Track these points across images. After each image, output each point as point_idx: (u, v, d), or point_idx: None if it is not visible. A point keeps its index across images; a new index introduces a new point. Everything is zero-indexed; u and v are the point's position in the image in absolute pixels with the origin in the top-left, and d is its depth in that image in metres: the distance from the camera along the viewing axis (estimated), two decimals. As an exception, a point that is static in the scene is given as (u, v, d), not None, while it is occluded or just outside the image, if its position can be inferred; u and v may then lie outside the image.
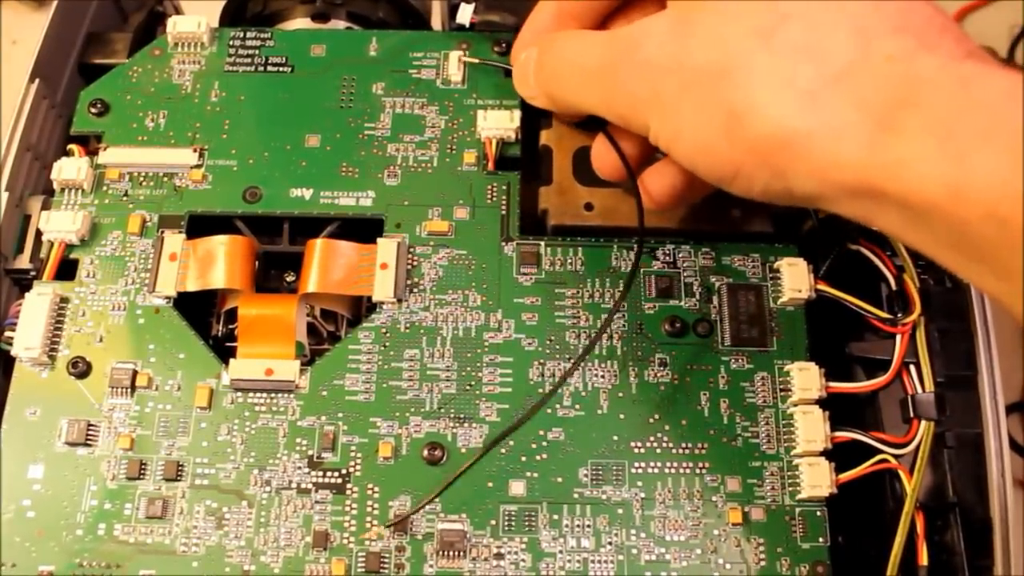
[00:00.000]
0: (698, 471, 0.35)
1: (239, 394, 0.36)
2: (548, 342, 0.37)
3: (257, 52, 0.43)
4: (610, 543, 0.34)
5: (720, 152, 0.28)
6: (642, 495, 0.35)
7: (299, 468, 0.35)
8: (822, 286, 0.37)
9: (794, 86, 0.26)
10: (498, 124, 0.40)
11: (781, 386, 0.36)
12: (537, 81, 0.35)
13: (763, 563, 0.34)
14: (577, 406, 0.36)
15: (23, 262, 0.39)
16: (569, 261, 0.38)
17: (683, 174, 0.34)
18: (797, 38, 0.26)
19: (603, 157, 0.35)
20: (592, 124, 0.36)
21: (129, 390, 0.36)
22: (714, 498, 0.35)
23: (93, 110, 0.41)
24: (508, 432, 0.34)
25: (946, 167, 0.23)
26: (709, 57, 0.28)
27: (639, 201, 0.35)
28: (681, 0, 0.29)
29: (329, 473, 0.35)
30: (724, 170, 0.29)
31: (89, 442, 0.35)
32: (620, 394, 0.36)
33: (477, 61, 0.41)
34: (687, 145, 0.29)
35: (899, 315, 0.36)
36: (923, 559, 0.34)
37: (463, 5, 0.41)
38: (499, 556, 0.34)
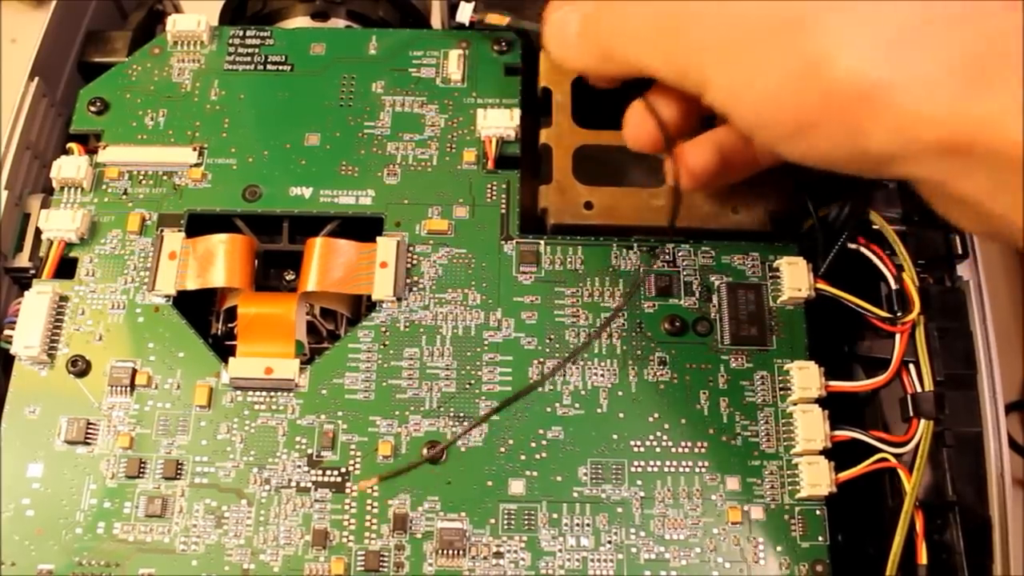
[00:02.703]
0: (698, 470, 0.35)
1: (239, 393, 0.36)
2: (548, 341, 0.37)
3: (257, 51, 0.43)
4: (609, 542, 0.34)
5: (791, 105, 0.26)
6: (641, 494, 0.35)
7: (299, 467, 0.35)
8: (822, 285, 0.37)
9: (877, 35, 0.24)
10: (498, 123, 0.40)
11: (781, 385, 0.36)
12: (584, 37, 0.32)
13: (762, 562, 0.34)
14: (577, 405, 0.36)
15: (22, 261, 0.39)
16: (569, 260, 0.38)
17: (722, 149, 0.33)
18: None
19: (639, 126, 0.33)
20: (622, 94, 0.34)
21: (128, 389, 0.36)
22: (713, 497, 0.35)
23: (92, 109, 0.41)
24: (517, 396, 0.35)
25: None
26: (781, 6, 0.26)
27: (676, 174, 0.33)
28: None
29: (328, 472, 0.35)
30: (791, 125, 0.27)
31: (88, 441, 0.35)
32: (620, 393, 0.36)
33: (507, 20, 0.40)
34: (754, 98, 0.27)
35: (899, 314, 0.36)
36: (922, 558, 0.34)
37: (462, 4, 0.41)
38: (498, 555, 0.34)
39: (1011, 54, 0.23)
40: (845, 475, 0.34)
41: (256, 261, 0.39)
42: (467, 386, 0.36)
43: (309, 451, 0.35)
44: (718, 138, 0.34)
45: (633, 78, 0.32)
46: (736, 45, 0.27)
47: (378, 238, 0.38)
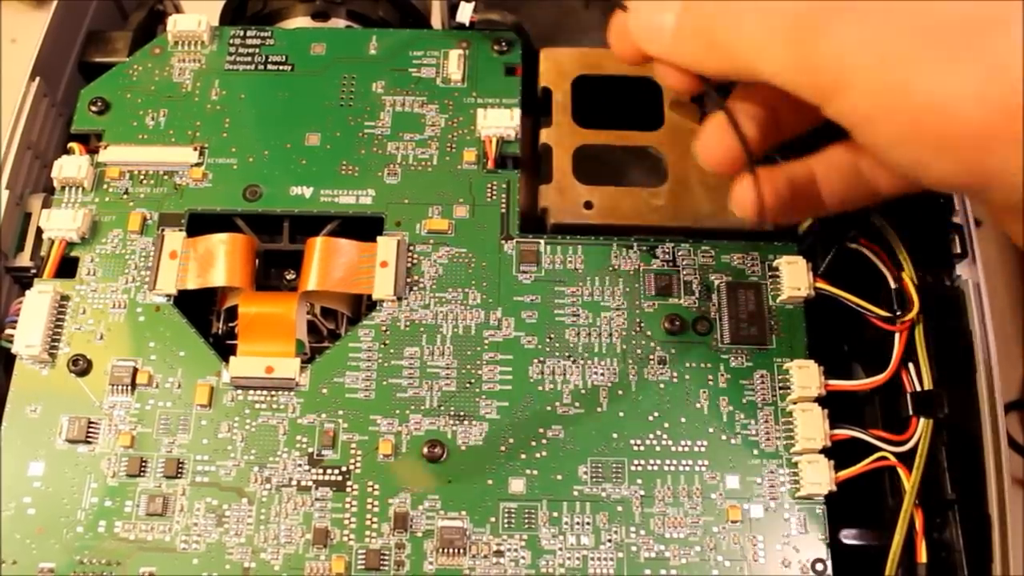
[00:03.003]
0: (697, 469, 0.35)
1: (239, 392, 0.36)
2: (548, 340, 0.37)
3: (257, 51, 0.43)
4: (610, 540, 0.34)
5: (962, 115, 0.24)
6: (642, 493, 0.35)
7: (299, 466, 0.35)
8: (821, 284, 0.37)
9: None
10: (498, 123, 0.40)
11: (780, 384, 0.36)
12: (686, 31, 0.29)
13: (762, 560, 0.34)
14: (577, 404, 0.36)
15: (24, 260, 0.39)
16: (569, 259, 0.38)
17: (794, 184, 0.31)
18: None
19: (720, 143, 0.30)
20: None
21: (129, 388, 0.36)
22: (713, 496, 0.35)
23: (93, 108, 0.41)
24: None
25: None
26: (968, 7, 0.24)
27: (759, 192, 0.30)
28: None
29: (329, 470, 0.35)
30: (959, 138, 0.24)
31: (89, 439, 0.35)
32: (620, 392, 0.36)
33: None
34: (913, 106, 0.24)
35: (898, 313, 0.36)
36: (922, 556, 0.34)
37: (463, 4, 0.41)
38: (499, 553, 0.34)
39: None
40: (845, 474, 0.35)
41: (257, 260, 0.39)
42: (467, 385, 0.36)
43: (310, 450, 0.35)
44: (789, 172, 0.31)
45: (724, 80, 0.29)
46: (897, 51, 0.24)
47: (378, 238, 0.38)
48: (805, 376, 0.35)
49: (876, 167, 0.30)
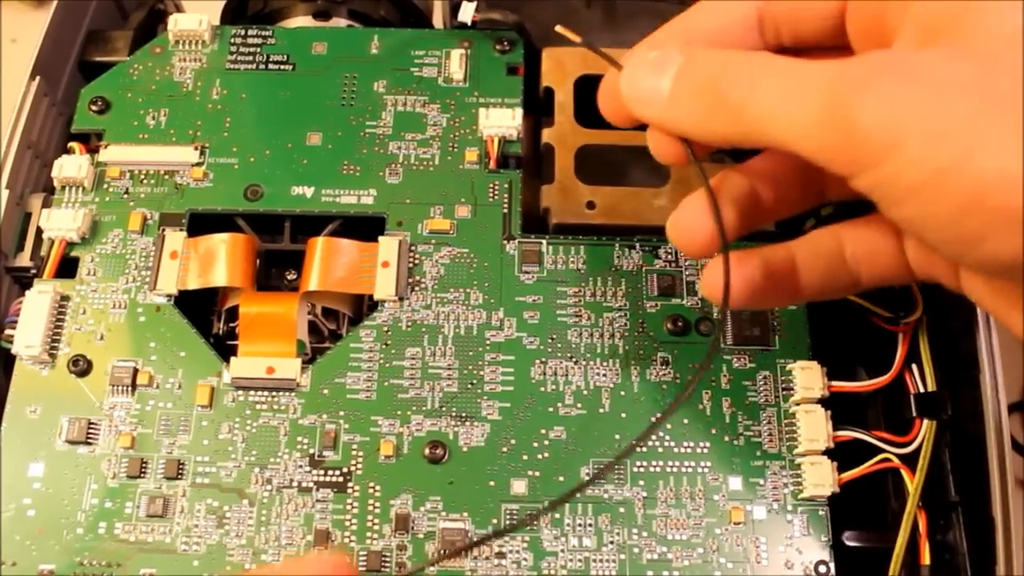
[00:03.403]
0: (700, 470, 0.35)
1: (240, 392, 0.36)
2: (550, 340, 0.37)
3: (258, 50, 0.42)
4: (612, 542, 0.34)
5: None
6: (644, 494, 0.34)
7: (300, 467, 0.35)
8: (824, 285, 0.37)
9: None
10: (500, 122, 0.40)
11: (783, 385, 0.36)
12: (689, 94, 0.26)
13: (765, 562, 0.34)
14: (579, 405, 0.36)
15: (24, 260, 0.39)
16: (571, 260, 0.38)
17: (769, 269, 0.29)
18: None
19: (691, 224, 0.28)
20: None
21: (130, 388, 0.36)
22: (716, 497, 0.34)
23: (94, 108, 0.41)
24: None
25: None
26: None
27: (727, 274, 0.28)
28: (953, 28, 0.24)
29: (330, 472, 0.35)
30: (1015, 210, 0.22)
31: (90, 440, 0.35)
32: (622, 393, 0.36)
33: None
34: (972, 177, 0.22)
35: (901, 314, 0.36)
36: (925, 558, 0.34)
37: (464, 3, 0.41)
38: (501, 555, 0.34)
39: None
40: (848, 475, 0.34)
41: (258, 260, 0.39)
42: (469, 386, 0.36)
43: (311, 451, 0.35)
44: (766, 255, 0.29)
45: (719, 146, 0.27)
46: (965, 117, 0.22)
47: (380, 237, 0.38)
48: (808, 377, 0.35)
49: (863, 256, 0.28)
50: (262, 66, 0.42)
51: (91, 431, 0.35)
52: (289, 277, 0.40)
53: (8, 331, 0.36)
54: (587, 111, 0.40)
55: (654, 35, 0.29)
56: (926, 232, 0.24)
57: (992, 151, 0.22)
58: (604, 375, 0.36)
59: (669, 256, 0.38)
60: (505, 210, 0.39)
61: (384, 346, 0.37)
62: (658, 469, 0.35)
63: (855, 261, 0.29)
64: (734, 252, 0.28)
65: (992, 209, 0.22)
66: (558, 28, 0.31)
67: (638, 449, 0.35)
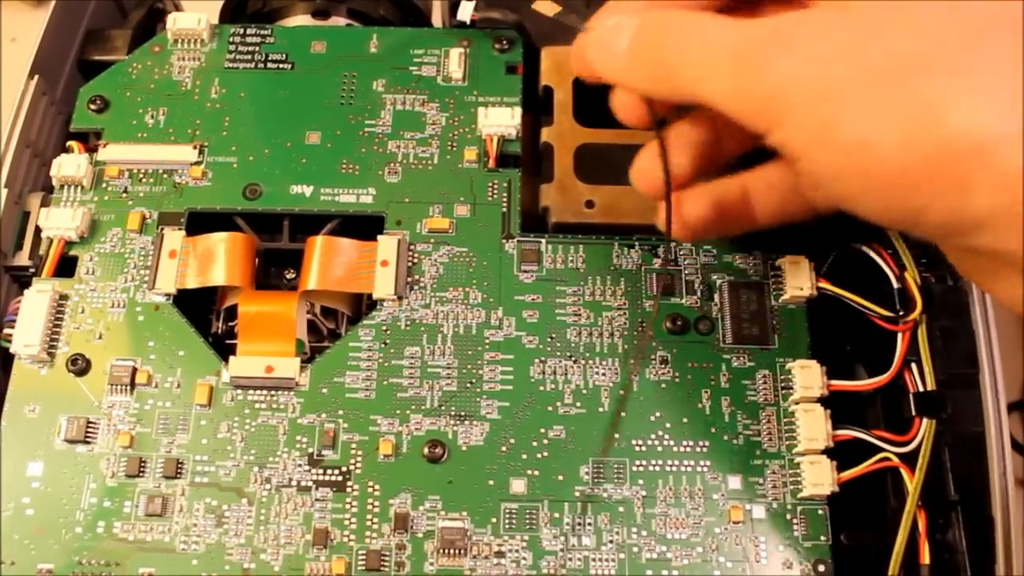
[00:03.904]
0: (699, 469, 0.35)
1: (239, 391, 0.36)
2: (549, 340, 0.37)
3: (257, 49, 0.42)
4: (611, 541, 0.34)
5: (889, 155, 0.24)
6: (643, 493, 0.34)
7: (299, 466, 0.35)
8: (824, 284, 0.37)
9: (1000, 91, 0.23)
10: (499, 121, 0.40)
11: (783, 384, 0.36)
12: (636, 57, 0.29)
13: (764, 561, 0.34)
14: (578, 404, 0.36)
15: (22, 259, 0.39)
16: (570, 259, 0.38)
17: (721, 204, 0.32)
18: (1009, 43, 0.24)
19: (650, 170, 0.32)
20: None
21: (129, 387, 0.36)
22: (715, 496, 0.34)
23: (93, 107, 0.41)
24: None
25: None
26: (902, 49, 0.24)
27: (668, 215, 0.31)
28: None
29: (329, 471, 0.35)
30: (886, 177, 0.25)
31: (88, 440, 0.35)
32: (621, 392, 0.36)
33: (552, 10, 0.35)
34: (841, 145, 0.25)
35: (901, 313, 0.36)
36: (925, 557, 0.34)
37: (463, 2, 0.41)
38: (500, 554, 0.34)
39: None
40: (847, 474, 0.34)
41: (257, 259, 0.39)
42: (468, 385, 0.36)
43: (310, 450, 0.35)
44: (719, 191, 0.32)
45: (676, 104, 0.30)
46: (827, 89, 0.25)
47: (379, 236, 0.38)
48: (807, 376, 0.35)
49: (811, 186, 0.30)
50: (261, 65, 0.42)
51: (90, 430, 0.35)
52: (288, 276, 0.40)
53: (7, 330, 0.36)
54: (586, 110, 0.40)
55: (612, 5, 0.31)
56: (818, 187, 0.28)
57: (856, 120, 0.25)
58: (603, 374, 0.36)
59: (668, 255, 0.38)
60: (504, 209, 0.39)
61: (383, 345, 0.37)
62: (657, 468, 0.35)
63: (807, 189, 0.31)
64: (688, 191, 0.32)
65: (858, 174, 0.25)
66: (535, 5, 0.34)
67: (637, 448, 0.35)
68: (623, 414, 0.35)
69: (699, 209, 0.32)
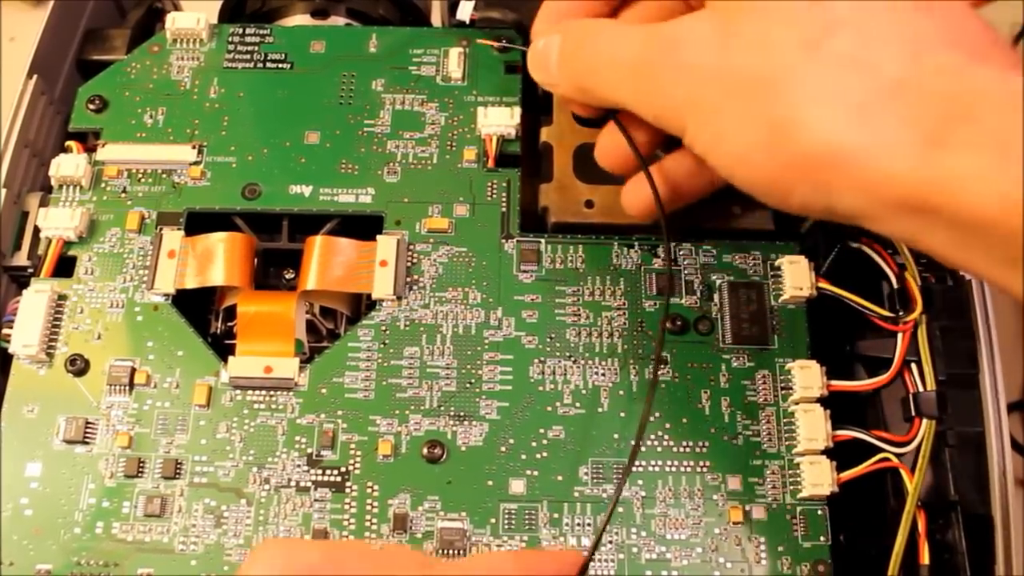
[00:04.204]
0: (699, 469, 0.35)
1: (238, 392, 0.36)
2: (548, 340, 0.37)
3: (256, 48, 0.42)
4: (610, 542, 0.34)
5: (759, 164, 0.27)
6: (643, 494, 0.34)
7: (298, 466, 0.35)
8: (823, 284, 0.37)
9: (842, 100, 0.25)
10: (498, 121, 0.40)
11: (782, 384, 0.36)
12: (562, 70, 0.33)
13: (764, 562, 0.34)
14: (578, 404, 0.36)
15: (21, 259, 0.39)
16: (570, 259, 0.38)
17: (671, 180, 0.34)
18: (846, 49, 0.25)
19: (612, 147, 0.34)
20: (603, 119, 0.34)
21: (127, 388, 0.36)
22: (715, 496, 0.34)
23: (91, 106, 0.41)
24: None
25: (1003, 182, 0.22)
26: (753, 65, 0.27)
27: (655, 189, 0.33)
28: (723, 0, 0.28)
29: (328, 471, 0.35)
30: (763, 183, 0.28)
31: (87, 440, 0.35)
32: (621, 392, 0.36)
33: (492, 44, 0.41)
34: (725, 154, 0.28)
35: (901, 313, 0.36)
36: (924, 558, 0.34)
37: (463, 2, 0.41)
38: (499, 555, 0.34)
39: (975, 117, 0.23)
40: (847, 475, 0.34)
41: (256, 259, 0.39)
42: (467, 385, 0.36)
43: (309, 450, 0.35)
44: (664, 169, 0.34)
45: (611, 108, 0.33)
46: (706, 102, 0.28)
47: (378, 236, 0.38)
48: (807, 376, 0.35)
49: None
50: (260, 65, 0.42)
51: (88, 431, 0.35)
52: (287, 276, 0.40)
53: (5, 330, 0.36)
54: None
55: (538, 21, 0.34)
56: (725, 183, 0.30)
57: (731, 134, 0.27)
58: (603, 374, 0.36)
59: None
60: (504, 209, 0.39)
61: (382, 345, 0.37)
62: (657, 469, 0.35)
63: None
64: (635, 177, 0.34)
65: (744, 179, 0.28)
66: (479, 40, 0.40)
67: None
68: (622, 414, 0.35)
69: (662, 181, 0.34)
